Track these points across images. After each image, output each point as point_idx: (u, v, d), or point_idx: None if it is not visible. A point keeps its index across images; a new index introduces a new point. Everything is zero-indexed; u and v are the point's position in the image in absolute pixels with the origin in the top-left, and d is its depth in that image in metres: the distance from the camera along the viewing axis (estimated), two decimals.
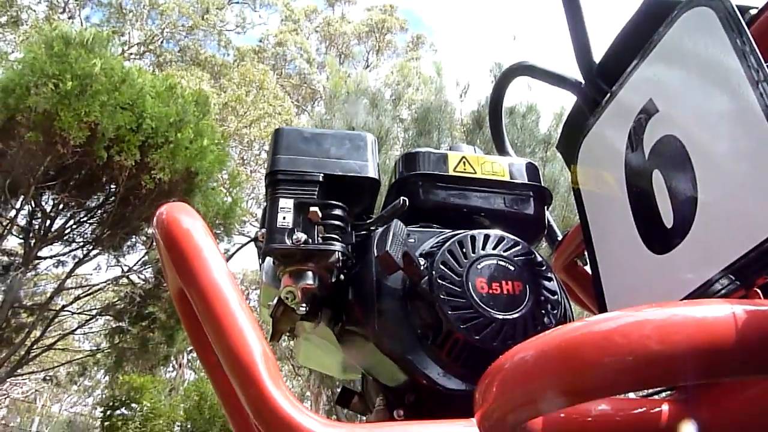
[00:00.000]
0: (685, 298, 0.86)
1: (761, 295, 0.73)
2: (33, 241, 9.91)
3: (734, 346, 0.56)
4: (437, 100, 9.76)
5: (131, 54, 20.51)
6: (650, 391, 0.96)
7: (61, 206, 9.88)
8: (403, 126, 10.06)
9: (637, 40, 1.07)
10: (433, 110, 9.51)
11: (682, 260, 0.89)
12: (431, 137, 9.28)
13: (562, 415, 0.76)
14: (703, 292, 0.82)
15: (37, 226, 10.06)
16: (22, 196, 9.27)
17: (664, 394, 0.90)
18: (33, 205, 9.90)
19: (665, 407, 0.81)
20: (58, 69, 8.04)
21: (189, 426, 12.58)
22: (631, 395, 0.90)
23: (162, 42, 21.96)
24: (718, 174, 0.84)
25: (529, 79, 1.74)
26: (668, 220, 0.92)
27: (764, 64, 0.76)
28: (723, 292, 0.80)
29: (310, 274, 1.05)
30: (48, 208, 10.02)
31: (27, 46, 9.08)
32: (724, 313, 0.57)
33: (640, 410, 0.82)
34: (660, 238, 0.94)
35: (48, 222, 10.07)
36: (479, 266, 1.04)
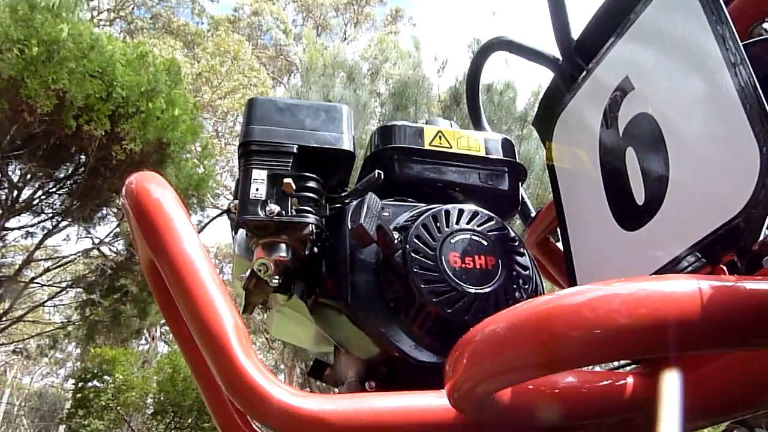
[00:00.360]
0: (653, 274, 0.87)
1: (727, 272, 0.75)
2: (0, 212, 9.66)
3: (699, 321, 0.57)
4: (415, 74, 9.69)
5: (101, 20, 19.87)
6: (616, 363, 0.98)
7: (28, 176, 9.63)
8: (380, 100, 9.99)
9: (615, 18, 1.06)
10: (410, 85, 9.44)
11: (651, 237, 0.90)
12: (408, 112, 9.24)
13: (530, 386, 0.77)
14: (671, 268, 0.84)
15: (3, 197, 9.81)
16: None
17: (629, 368, 0.93)
18: None
19: (630, 380, 0.83)
20: (23, 34, 7.75)
21: (162, 398, 12.57)
22: (597, 368, 0.92)
23: (133, 8, 21.31)
24: (689, 153, 0.85)
25: (507, 54, 1.73)
26: (639, 197, 0.93)
27: (741, 46, 0.77)
28: (690, 268, 0.81)
29: (283, 246, 1.04)
30: (15, 179, 9.76)
31: None
32: (690, 288, 0.59)
33: (606, 382, 0.84)
34: (631, 215, 0.95)
35: (15, 192, 9.82)
36: (453, 240, 1.04)
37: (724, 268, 0.76)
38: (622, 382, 0.82)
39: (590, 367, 0.83)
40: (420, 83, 9.61)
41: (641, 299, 0.58)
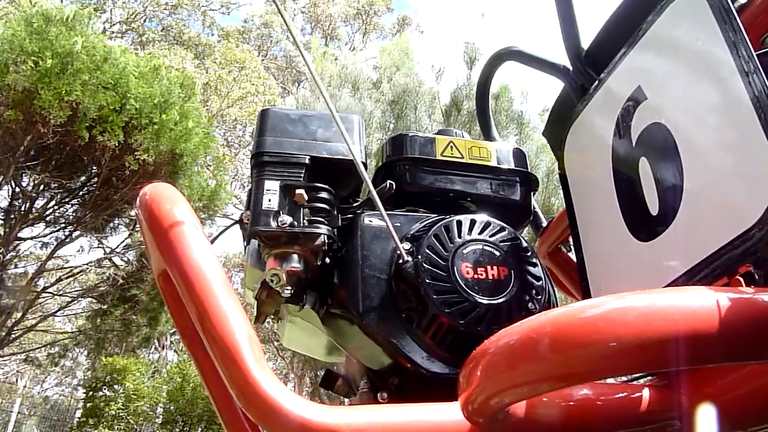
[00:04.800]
0: (668, 285, 0.86)
1: (743, 283, 0.74)
2: (13, 222, 9.76)
3: (716, 333, 0.56)
4: (410, 81, 9.70)
5: (113, 33, 20.12)
6: (631, 375, 0.97)
7: (42, 187, 9.73)
8: (382, 108, 9.99)
9: (626, 28, 1.06)
10: (408, 92, 9.46)
11: (666, 248, 0.89)
12: (408, 119, 9.24)
13: (544, 399, 0.76)
14: (687, 279, 0.83)
15: (17, 207, 9.91)
16: (2, 176, 9.11)
17: (644, 379, 0.92)
18: (13, 186, 9.74)
19: (646, 392, 0.82)
20: (37, 46, 7.86)
21: (171, 407, 12.58)
22: (611, 380, 0.92)
23: (144, 20, 21.56)
24: (704, 163, 0.84)
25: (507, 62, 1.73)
26: (653, 207, 0.93)
27: (754, 55, 0.76)
28: (706, 279, 0.80)
29: (295, 256, 1.04)
30: (29, 189, 9.86)
31: (6, 22, 8.86)
32: (707, 300, 0.58)
33: (621, 395, 0.83)
34: (645, 225, 0.95)
35: (29, 203, 9.91)
36: (465, 251, 1.04)
37: (741, 279, 0.75)
38: (638, 394, 0.82)
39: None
40: (417, 90, 9.61)
41: (657, 312, 0.58)
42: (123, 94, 8.37)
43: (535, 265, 1.08)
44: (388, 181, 1.10)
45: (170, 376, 13.08)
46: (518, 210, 1.26)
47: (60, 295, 12.06)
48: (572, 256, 1.68)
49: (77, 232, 10.65)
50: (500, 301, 1.00)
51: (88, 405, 12.01)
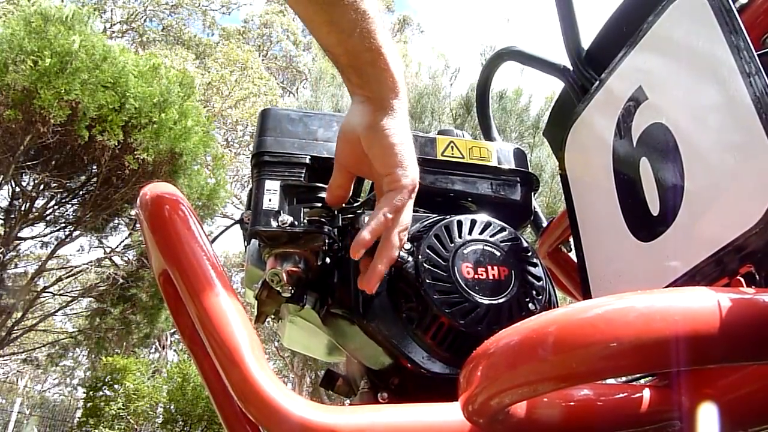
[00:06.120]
0: (669, 286, 0.87)
1: (744, 284, 0.74)
2: (13, 222, 9.76)
3: (717, 334, 0.56)
4: (432, 85, 9.73)
5: (113, 32, 20.12)
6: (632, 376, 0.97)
7: (42, 186, 9.73)
8: None
9: (627, 28, 1.06)
10: (426, 95, 9.47)
11: (667, 248, 0.89)
12: (423, 122, 9.27)
13: (545, 399, 0.76)
14: (687, 279, 0.83)
15: (17, 207, 9.91)
16: (2, 176, 9.11)
17: (645, 380, 0.92)
18: (13, 185, 9.74)
19: (646, 393, 0.82)
20: (36, 45, 7.87)
21: (172, 407, 12.58)
22: (611, 380, 0.92)
23: (145, 20, 21.56)
24: (705, 164, 0.84)
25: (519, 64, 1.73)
26: (654, 207, 0.93)
27: (755, 56, 0.76)
28: (706, 280, 0.80)
29: (295, 256, 1.04)
30: (29, 189, 9.87)
31: (4, 21, 8.86)
32: (707, 301, 0.58)
33: (621, 395, 0.83)
34: (645, 225, 0.95)
35: (29, 202, 9.92)
36: (465, 251, 1.03)
37: (742, 279, 0.75)
38: (638, 395, 0.82)
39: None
40: (437, 93, 9.62)
41: (658, 312, 0.58)
42: (122, 93, 8.38)
43: (535, 265, 1.08)
44: None
45: (170, 376, 13.08)
46: (519, 210, 1.26)
47: (60, 295, 12.07)
48: (572, 256, 1.68)
49: (77, 232, 10.66)
50: (501, 301, 1.00)
51: (88, 405, 12.01)
